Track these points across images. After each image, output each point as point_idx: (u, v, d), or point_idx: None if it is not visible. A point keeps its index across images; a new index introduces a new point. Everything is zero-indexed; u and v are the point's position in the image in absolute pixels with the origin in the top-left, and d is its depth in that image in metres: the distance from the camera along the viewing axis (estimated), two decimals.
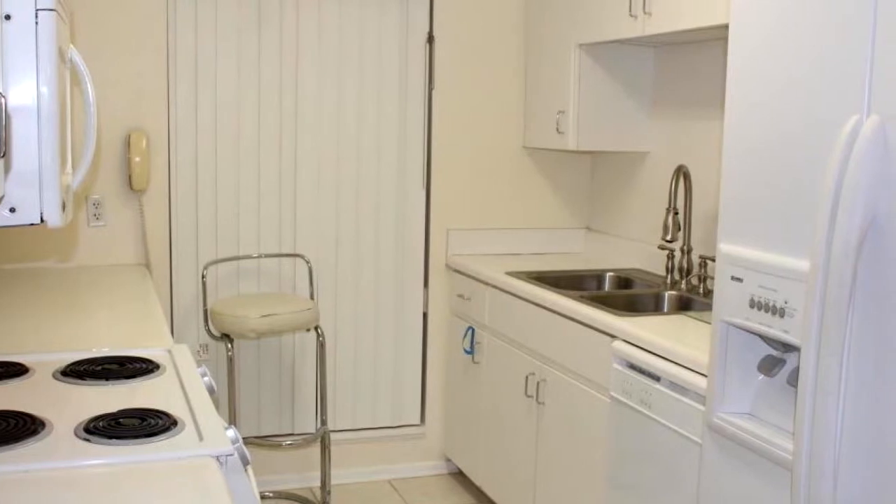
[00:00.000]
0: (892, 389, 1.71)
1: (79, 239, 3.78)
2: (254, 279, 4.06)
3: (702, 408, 2.40)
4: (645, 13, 3.29)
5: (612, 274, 3.89)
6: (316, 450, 4.16)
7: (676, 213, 3.37)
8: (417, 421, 4.37)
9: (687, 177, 3.49)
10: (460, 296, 4.11)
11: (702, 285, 3.42)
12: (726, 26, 2.81)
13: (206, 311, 3.90)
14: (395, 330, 4.27)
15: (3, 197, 1.49)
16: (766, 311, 2.01)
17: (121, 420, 1.79)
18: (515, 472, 3.60)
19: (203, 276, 3.90)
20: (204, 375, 2.17)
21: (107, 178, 3.78)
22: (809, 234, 1.91)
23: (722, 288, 2.16)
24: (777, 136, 2.00)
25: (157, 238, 3.87)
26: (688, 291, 3.45)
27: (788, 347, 2.09)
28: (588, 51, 3.80)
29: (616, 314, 2.96)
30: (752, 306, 2.05)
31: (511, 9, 4.22)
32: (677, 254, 3.62)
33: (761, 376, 2.16)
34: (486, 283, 3.84)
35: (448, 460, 4.39)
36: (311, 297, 4.06)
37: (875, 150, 1.72)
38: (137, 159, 3.72)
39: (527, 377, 3.48)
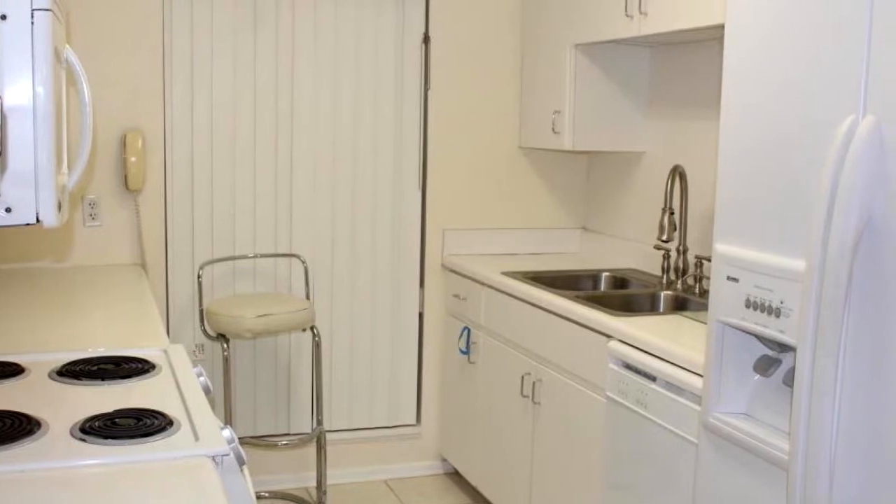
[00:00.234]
0: (887, 389, 1.71)
1: (75, 239, 3.78)
2: (250, 279, 4.05)
3: (698, 408, 2.40)
4: (641, 13, 3.29)
5: (608, 274, 3.89)
6: (312, 450, 4.16)
7: (672, 213, 3.37)
8: (413, 421, 4.37)
9: (683, 177, 3.49)
10: (456, 296, 4.11)
11: (698, 285, 3.42)
12: (722, 26, 2.81)
13: (201, 311, 3.90)
14: (391, 330, 4.27)
15: None
16: (762, 311, 2.01)
17: (116, 420, 1.79)
18: (511, 473, 3.60)
19: (199, 276, 3.90)
20: (200, 375, 2.17)
21: (103, 178, 3.78)
22: (805, 235, 1.91)
23: (718, 288, 2.16)
24: (773, 137, 2.00)
25: (153, 238, 3.86)
26: (684, 291, 3.45)
27: (784, 347, 2.09)
28: (584, 51, 3.80)
29: (612, 314, 2.96)
30: (747, 306, 2.05)
31: (507, 9, 4.22)
32: (673, 254, 3.62)
33: (757, 376, 2.16)
34: (482, 284, 3.84)
35: (444, 460, 4.39)
36: (307, 298, 4.06)
37: (871, 151, 1.73)
38: (133, 159, 3.71)
39: (523, 377, 3.48)
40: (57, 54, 1.64)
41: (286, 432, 4.17)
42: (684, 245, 3.51)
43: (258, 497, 4.01)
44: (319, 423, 3.89)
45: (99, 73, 3.71)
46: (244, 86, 3.94)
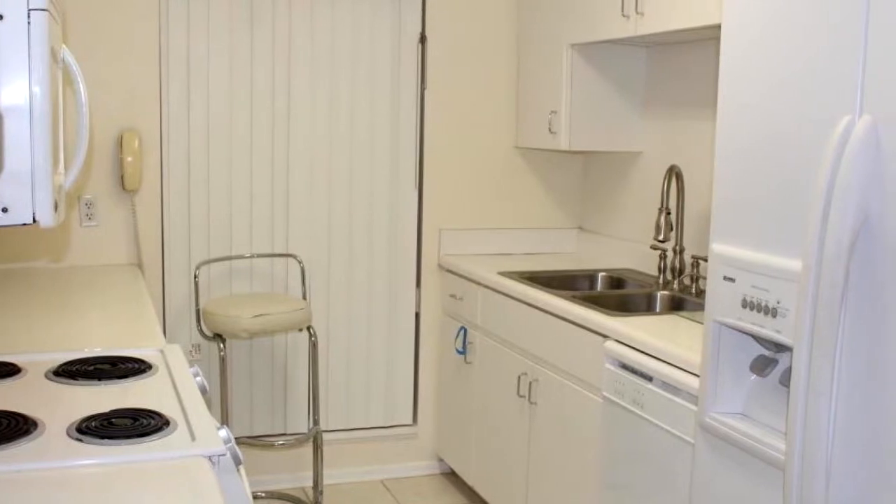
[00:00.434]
0: (884, 389, 1.72)
1: (71, 239, 3.77)
2: (246, 279, 4.05)
3: (694, 408, 2.41)
4: (637, 13, 3.30)
5: (604, 274, 3.89)
6: (308, 450, 4.16)
7: (669, 213, 3.37)
8: (410, 421, 4.37)
9: (679, 177, 3.50)
10: (452, 296, 4.12)
11: (694, 285, 3.42)
12: (718, 26, 2.81)
13: (198, 311, 3.89)
14: (387, 330, 4.27)
15: None
16: (759, 311, 2.01)
17: (113, 420, 1.79)
18: (508, 472, 3.60)
19: (195, 276, 3.90)
20: (196, 375, 2.17)
21: (99, 178, 3.78)
22: (802, 235, 1.91)
23: (714, 288, 2.16)
24: (769, 137, 2.00)
25: (150, 238, 3.86)
26: (680, 291, 3.46)
27: (781, 347, 2.09)
28: (580, 51, 3.80)
29: (608, 314, 2.96)
30: (744, 306, 2.06)
31: (503, 9, 4.22)
32: (669, 254, 3.63)
33: (753, 376, 2.16)
34: (479, 283, 3.84)
35: (440, 460, 4.39)
36: (304, 297, 4.05)
37: (867, 151, 1.73)
38: (130, 159, 3.71)
39: (519, 377, 3.48)
40: (53, 54, 1.64)
41: (283, 432, 4.17)
42: (681, 245, 3.51)
43: (255, 497, 4.00)
44: (316, 423, 3.89)
45: (95, 73, 3.70)
46: (241, 85, 3.93)
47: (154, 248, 3.88)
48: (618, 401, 2.80)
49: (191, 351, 3.99)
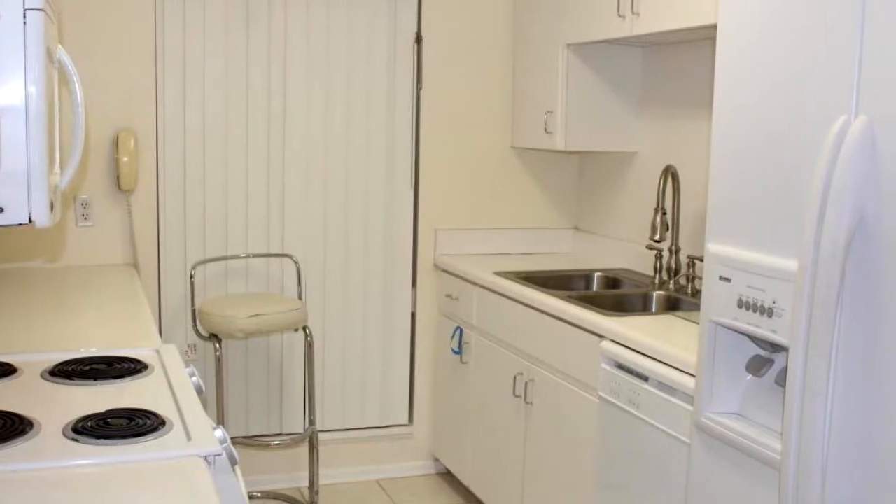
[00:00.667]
0: (880, 389, 1.72)
1: (67, 239, 3.77)
2: (242, 279, 4.05)
3: (690, 408, 2.41)
4: (633, 13, 3.30)
5: (600, 274, 3.90)
6: (304, 450, 4.15)
7: (664, 213, 3.38)
8: (405, 421, 4.37)
9: (675, 177, 3.50)
10: (448, 296, 4.12)
11: (690, 285, 3.43)
12: (714, 26, 2.82)
13: (194, 311, 3.89)
14: (383, 330, 4.27)
15: None
16: (754, 311, 2.01)
17: (109, 420, 1.79)
18: (503, 473, 3.60)
19: (191, 276, 3.90)
20: (192, 375, 2.17)
21: (95, 178, 3.77)
22: (797, 235, 1.92)
23: (710, 288, 2.16)
24: (765, 137, 2.01)
25: (146, 238, 3.86)
26: (676, 291, 3.46)
27: (776, 347, 2.10)
28: (576, 51, 3.80)
29: (604, 314, 2.96)
30: (740, 306, 2.06)
31: (499, 9, 4.22)
32: (665, 254, 3.63)
33: (749, 376, 2.17)
34: (475, 284, 3.84)
35: (436, 460, 4.39)
36: (300, 298, 4.05)
37: (863, 151, 1.73)
38: (125, 159, 3.71)
39: (515, 377, 3.48)
40: (49, 54, 1.64)
41: (278, 432, 4.17)
42: (676, 245, 3.51)
43: (250, 497, 4.00)
44: (312, 423, 3.88)
45: (91, 73, 3.70)
46: (236, 86, 3.93)
47: (150, 248, 3.87)
48: (613, 401, 2.80)
49: (187, 351, 3.99)
